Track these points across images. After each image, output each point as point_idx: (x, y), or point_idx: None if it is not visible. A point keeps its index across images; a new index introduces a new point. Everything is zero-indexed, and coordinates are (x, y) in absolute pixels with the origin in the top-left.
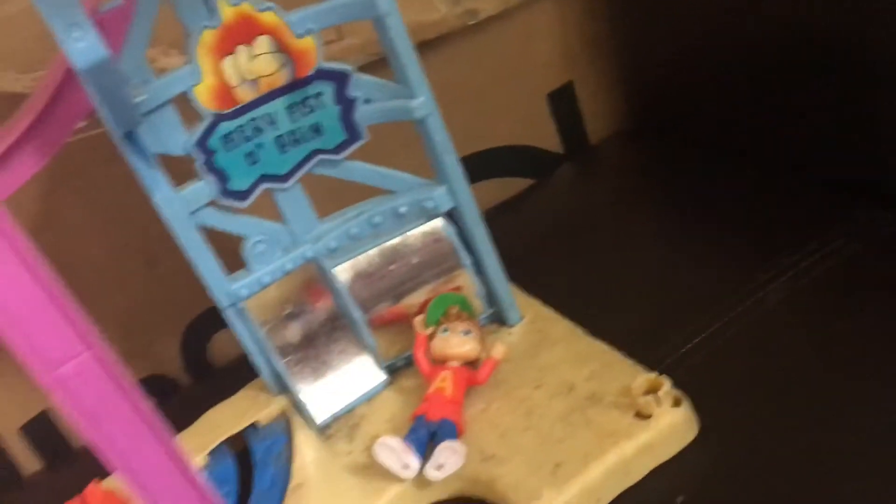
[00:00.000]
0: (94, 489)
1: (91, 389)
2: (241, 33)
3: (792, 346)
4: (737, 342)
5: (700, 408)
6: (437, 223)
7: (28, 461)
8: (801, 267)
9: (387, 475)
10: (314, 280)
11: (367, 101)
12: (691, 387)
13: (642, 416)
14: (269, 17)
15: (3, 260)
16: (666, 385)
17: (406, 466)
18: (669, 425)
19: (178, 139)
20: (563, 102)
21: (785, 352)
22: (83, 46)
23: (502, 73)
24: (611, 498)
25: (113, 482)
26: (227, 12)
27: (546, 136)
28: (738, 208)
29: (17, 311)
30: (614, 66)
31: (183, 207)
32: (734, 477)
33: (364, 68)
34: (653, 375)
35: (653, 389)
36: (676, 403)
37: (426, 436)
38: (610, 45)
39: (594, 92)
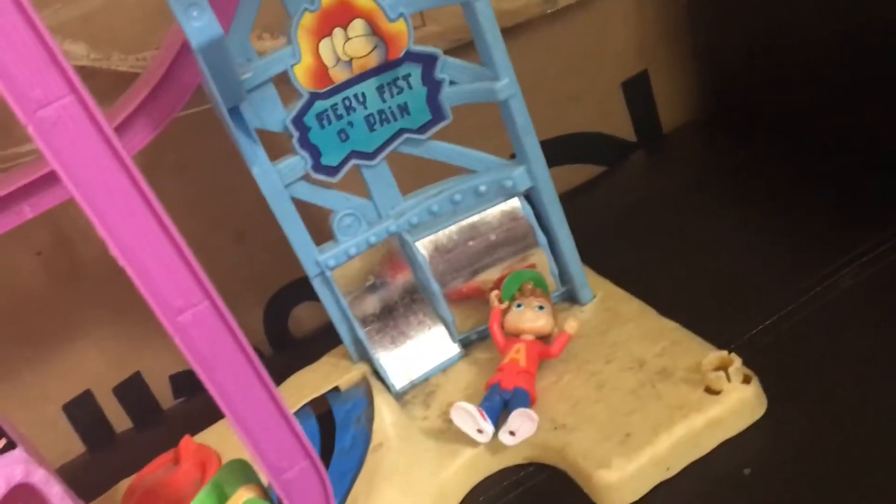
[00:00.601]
0: (188, 443)
1: (207, 336)
2: (339, 16)
3: (863, 330)
4: (808, 325)
5: (769, 386)
6: (515, 202)
7: (120, 420)
8: (876, 252)
9: (461, 439)
10: (395, 253)
11: (453, 82)
12: (761, 366)
13: (712, 391)
14: (364, 1)
15: (136, 214)
16: (737, 362)
17: (480, 431)
18: (739, 401)
19: (276, 116)
20: (637, 91)
21: (856, 335)
22: (200, 25)
23: (578, 61)
24: (680, 468)
25: (204, 438)
26: None
27: (619, 124)
28: (811, 195)
29: (146, 262)
30: (688, 56)
31: (278, 181)
32: (801, 454)
33: (445, 54)
34: (724, 353)
35: (723, 366)
36: (746, 381)
37: (500, 403)
38: (685, 35)
39: (668, 81)
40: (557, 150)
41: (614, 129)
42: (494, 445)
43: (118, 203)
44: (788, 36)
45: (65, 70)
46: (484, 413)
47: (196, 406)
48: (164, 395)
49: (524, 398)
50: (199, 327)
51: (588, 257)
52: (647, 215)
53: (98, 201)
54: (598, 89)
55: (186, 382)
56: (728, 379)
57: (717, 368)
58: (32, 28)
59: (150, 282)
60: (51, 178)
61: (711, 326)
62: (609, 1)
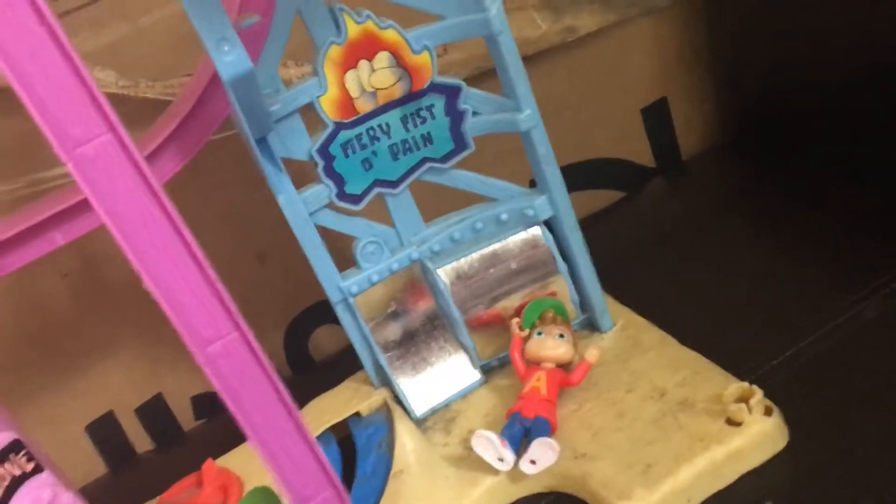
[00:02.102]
0: (210, 466)
1: (235, 366)
2: (365, 49)
3: (886, 362)
4: (830, 355)
5: (791, 418)
6: (536, 230)
7: (142, 440)
8: None
9: (482, 467)
10: (417, 280)
11: (476, 113)
12: (783, 397)
13: (733, 422)
14: (390, 35)
15: (169, 248)
16: (758, 394)
17: (501, 459)
18: (760, 433)
19: (302, 145)
20: (656, 118)
21: (879, 366)
22: (231, 59)
23: (598, 88)
24: (701, 499)
25: (226, 461)
26: (352, 29)
27: (639, 151)
28: (833, 222)
29: (177, 292)
30: (707, 83)
31: (303, 208)
32: (823, 486)
33: (467, 81)
34: (745, 384)
35: (744, 398)
36: (768, 412)
37: (520, 432)
38: (703, 63)
39: (687, 107)
40: (577, 176)
41: (634, 155)
42: (515, 474)
43: (152, 237)
44: (808, 61)
45: (103, 108)
46: (505, 441)
47: (217, 427)
48: (186, 417)
49: (545, 427)
50: (229, 357)
51: (608, 284)
52: (667, 242)
53: (133, 235)
54: (618, 116)
55: (207, 404)
56: (749, 411)
57: (739, 400)
58: (73, 68)
59: (181, 313)
60: (82, 206)
61: (732, 355)
62: (628, 29)
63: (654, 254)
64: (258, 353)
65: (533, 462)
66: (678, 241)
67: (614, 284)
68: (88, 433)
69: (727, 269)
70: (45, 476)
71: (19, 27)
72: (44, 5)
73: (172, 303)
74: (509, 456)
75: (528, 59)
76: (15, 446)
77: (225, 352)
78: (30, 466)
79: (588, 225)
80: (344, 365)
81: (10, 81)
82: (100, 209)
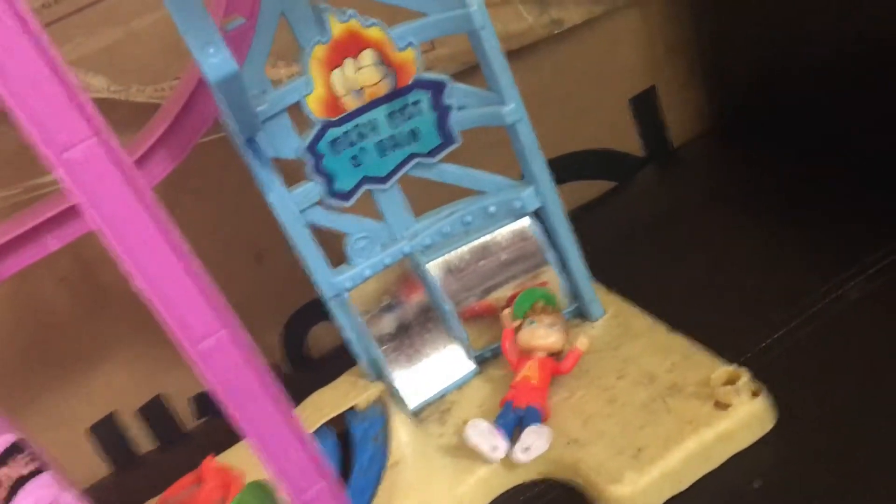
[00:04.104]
0: (210, 464)
1: (226, 362)
2: (349, 47)
3: (870, 342)
4: (816, 337)
5: (778, 399)
6: (525, 222)
7: (144, 441)
8: (883, 264)
9: (476, 456)
10: (409, 274)
11: (461, 107)
12: (770, 379)
13: (721, 405)
14: (374, 33)
15: (156, 246)
16: (745, 376)
17: (495, 448)
18: (748, 415)
19: (291, 144)
20: (645, 107)
21: (863, 347)
22: (216, 62)
23: (586, 79)
24: (691, 481)
25: (226, 458)
26: (336, 28)
27: (628, 140)
28: (818, 208)
29: (168, 291)
30: (695, 72)
31: (294, 206)
32: (810, 465)
33: (454, 76)
34: (732, 367)
35: (732, 381)
36: (755, 394)
37: (514, 421)
38: (691, 52)
39: (676, 97)
40: (567, 167)
41: (623, 144)
42: (509, 462)
43: (141, 237)
44: (795, 50)
45: (88, 113)
46: (499, 430)
47: (218, 426)
48: (187, 416)
49: (537, 415)
50: (220, 353)
51: (599, 273)
52: (656, 230)
53: (123, 236)
54: (607, 106)
55: (208, 403)
56: (737, 393)
57: (726, 383)
58: (57, 76)
59: (172, 310)
60: (73, 211)
61: (721, 340)
62: (615, 19)
63: (644, 242)
64: (249, 348)
65: (526, 450)
66: (667, 229)
67: (605, 273)
68: (91, 434)
69: (715, 255)
70: (46, 477)
71: (3, 37)
72: (28, 14)
73: (163, 301)
74: (503, 444)
75: (514, 53)
76: (16, 448)
77: (217, 347)
78: (31, 468)
79: (579, 214)
80: (342, 360)
81: None
82: (88, 211)
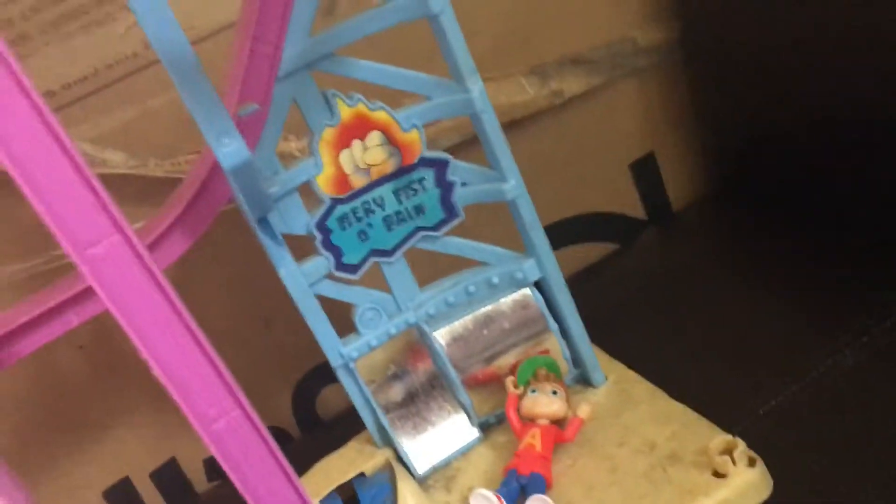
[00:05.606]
0: None
1: (238, 442)
2: (357, 129)
3: (868, 409)
4: (812, 404)
5: (775, 468)
6: (526, 292)
7: None
8: (879, 330)
9: None
10: (415, 343)
11: (464, 184)
12: (767, 447)
13: (719, 474)
14: (380, 115)
15: (171, 328)
16: (741, 446)
17: None
18: (744, 483)
19: (301, 221)
20: (645, 172)
21: (861, 414)
22: (230, 151)
23: (587, 146)
24: None
25: None
26: (345, 112)
27: (630, 204)
28: (818, 272)
29: (180, 373)
30: (694, 138)
31: (303, 280)
32: None
33: (459, 146)
34: (729, 436)
35: (729, 450)
36: (751, 463)
37: (517, 489)
38: (689, 118)
39: (675, 161)
40: (571, 230)
41: (625, 208)
42: None
43: (158, 326)
44: (792, 115)
45: (110, 210)
46: (502, 499)
47: (228, 490)
48: (199, 479)
49: (541, 483)
50: (232, 434)
51: (600, 338)
52: (657, 293)
53: (140, 325)
54: (608, 171)
55: (219, 467)
56: (733, 462)
57: (724, 452)
58: (81, 175)
59: (187, 395)
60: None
61: (719, 407)
62: (613, 89)
63: (645, 305)
64: (260, 427)
65: None
66: (668, 292)
67: (606, 337)
68: (105, 499)
69: (715, 318)
70: None
71: (25, 135)
72: (46, 110)
73: (178, 386)
74: None
75: (517, 123)
76: None
77: (228, 428)
78: None
79: (582, 279)
80: (352, 422)
81: (21, 188)
82: (108, 302)
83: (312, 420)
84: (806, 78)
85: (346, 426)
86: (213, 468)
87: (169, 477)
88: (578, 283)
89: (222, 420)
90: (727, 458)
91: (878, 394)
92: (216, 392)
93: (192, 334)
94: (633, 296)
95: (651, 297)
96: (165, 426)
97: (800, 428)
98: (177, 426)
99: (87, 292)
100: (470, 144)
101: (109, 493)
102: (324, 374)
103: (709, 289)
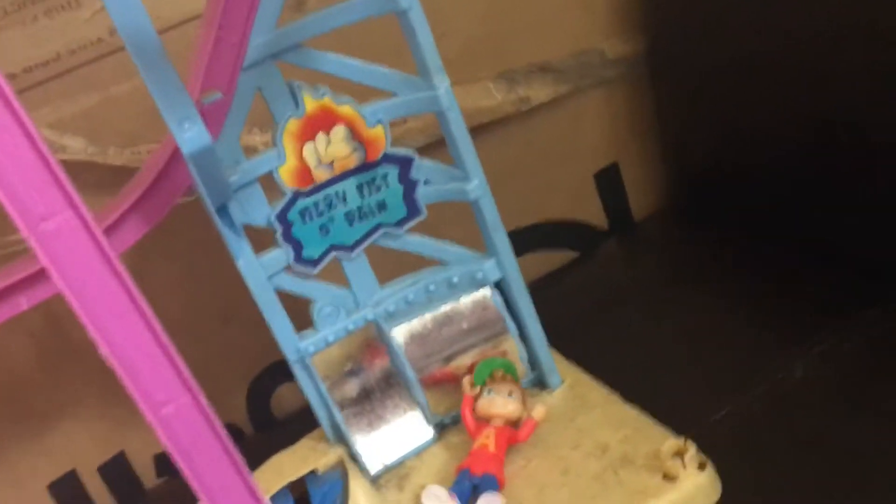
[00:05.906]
0: None
1: (187, 429)
2: (322, 122)
3: (814, 419)
4: (762, 413)
5: (724, 472)
6: (486, 292)
7: (104, 499)
8: (826, 345)
9: None
10: (373, 340)
11: (427, 182)
12: (717, 452)
13: (669, 477)
14: (346, 110)
15: (122, 310)
16: (691, 449)
17: None
18: (694, 487)
19: (262, 212)
20: (608, 182)
21: (808, 423)
22: (191, 136)
23: (552, 154)
24: None
25: None
26: (310, 104)
27: (592, 213)
28: (773, 287)
29: (130, 355)
30: (657, 150)
31: (262, 272)
32: None
33: (425, 148)
34: (680, 440)
35: (680, 453)
36: (701, 467)
37: (469, 488)
38: (653, 131)
39: (638, 172)
40: (533, 237)
41: (587, 217)
42: None
43: (109, 307)
44: (753, 131)
45: (64, 185)
46: (454, 497)
47: (178, 485)
48: (148, 475)
49: (493, 483)
50: (181, 420)
51: (558, 342)
52: (615, 301)
53: (90, 305)
54: (572, 180)
55: (170, 462)
56: (684, 465)
57: (675, 455)
58: (35, 149)
59: (135, 377)
60: (45, 273)
61: (672, 413)
62: (580, 98)
63: (604, 313)
64: (209, 415)
65: None
66: (626, 301)
67: (564, 342)
68: (51, 492)
69: (671, 327)
70: None
71: None
72: (6, 87)
73: (126, 368)
74: None
75: (484, 127)
76: None
77: (178, 415)
78: None
79: (542, 285)
80: (305, 422)
81: None
82: (58, 280)
83: (266, 418)
84: (769, 93)
85: (300, 425)
86: (162, 464)
87: (117, 471)
88: (539, 290)
89: (171, 405)
90: (678, 461)
91: (824, 405)
92: (165, 375)
93: (142, 316)
94: (593, 303)
95: (610, 305)
96: (115, 419)
97: (750, 434)
98: (127, 420)
99: (38, 275)
100: (436, 146)
101: (55, 486)
102: (279, 372)
103: (666, 299)
